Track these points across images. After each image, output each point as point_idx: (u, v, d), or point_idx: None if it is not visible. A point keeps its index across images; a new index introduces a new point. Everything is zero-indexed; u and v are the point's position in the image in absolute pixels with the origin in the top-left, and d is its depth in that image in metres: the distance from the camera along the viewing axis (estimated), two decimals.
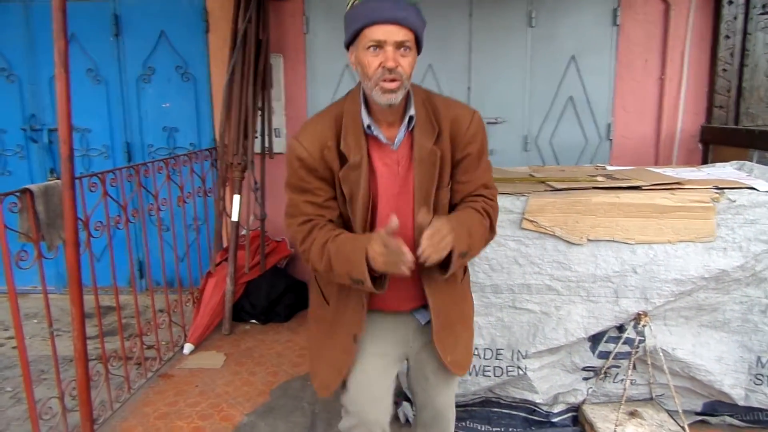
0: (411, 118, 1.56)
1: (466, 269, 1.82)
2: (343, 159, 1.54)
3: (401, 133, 1.57)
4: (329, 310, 1.71)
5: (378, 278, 1.50)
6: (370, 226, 1.58)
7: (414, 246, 1.47)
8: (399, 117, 1.57)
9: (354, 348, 1.67)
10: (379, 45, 1.44)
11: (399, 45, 1.45)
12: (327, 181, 1.57)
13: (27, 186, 2.29)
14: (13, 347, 3.53)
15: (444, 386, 1.81)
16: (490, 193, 1.66)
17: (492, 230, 1.64)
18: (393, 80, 1.45)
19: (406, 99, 1.56)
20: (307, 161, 1.54)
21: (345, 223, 1.62)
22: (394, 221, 1.38)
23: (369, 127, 1.54)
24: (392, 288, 1.58)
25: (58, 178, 2.34)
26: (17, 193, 2.25)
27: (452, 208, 1.65)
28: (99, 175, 2.64)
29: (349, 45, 1.54)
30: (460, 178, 1.63)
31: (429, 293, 1.64)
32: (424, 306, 1.70)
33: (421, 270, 1.59)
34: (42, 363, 3.29)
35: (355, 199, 1.55)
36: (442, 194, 1.60)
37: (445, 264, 1.50)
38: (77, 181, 2.39)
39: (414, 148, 1.56)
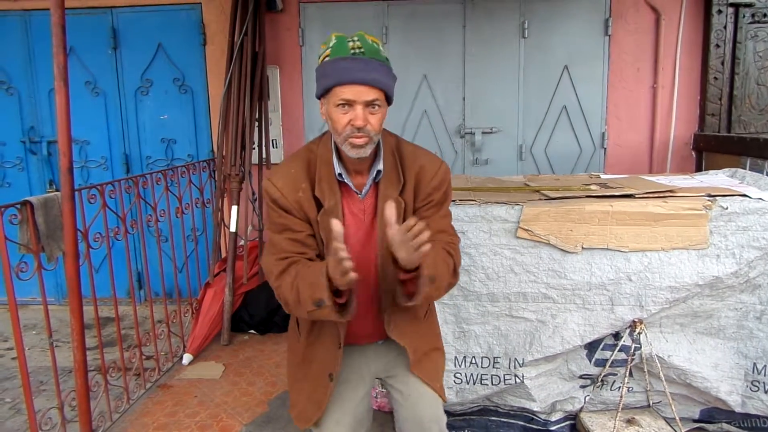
0: (378, 172, 1.59)
1: (428, 308, 1.81)
2: (318, 203, 1.57)
3: (368, 185, 1.61)
4: (301, 342, 1.75)
5: (343, 305, 1.48)
6: None
7: (376, 291, 1.55)
8: (367, 167, 1.61)
9: (331, 386, 1.69)
10: (349, 103, 1.46)
11: (368, 104, 1.46)
12: (303, 220, 1.59)
13: (27, 198, 2.31)
14: (13, 358, 3.53)
15: (424, 402, 1.77)
16: (450, 237, 1.66)
17: (455, 274, 1.62)
18: (361, 137, 1.48)
19: (376, 149, 1.59)
20: (280, 202, 1.56)
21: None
22: (336, 226, 1.35)
23: (340, 175, 1.58)
24: (359, 325, 1.66)
25: (57, 190, 2.36)
26: (17, 205, 2.27)
27: None
28: (98, 187, 2.66)
29: (320, 97, 1.55)
30: None
31: (396, 334, 1.68)
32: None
33: (383, 308, 1.64)
34: (41, 374, 3.29)
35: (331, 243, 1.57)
36: None
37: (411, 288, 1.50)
38: (76, 192, 2.41)
39: (379, 199, 1.59)
